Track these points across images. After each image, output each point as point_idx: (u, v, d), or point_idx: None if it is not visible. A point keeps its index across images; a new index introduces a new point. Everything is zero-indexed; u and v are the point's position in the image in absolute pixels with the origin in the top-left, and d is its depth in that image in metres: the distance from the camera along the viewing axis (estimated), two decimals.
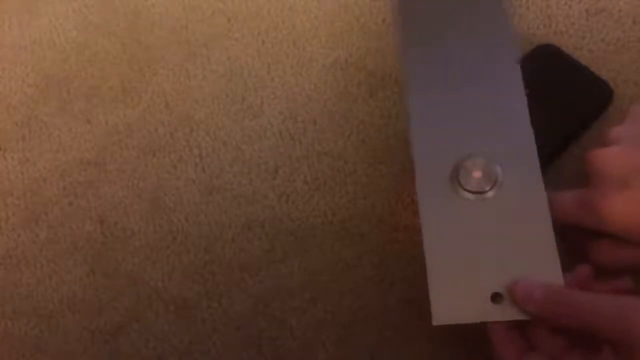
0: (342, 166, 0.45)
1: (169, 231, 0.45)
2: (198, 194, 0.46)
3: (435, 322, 0.34)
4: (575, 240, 0.38)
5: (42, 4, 0.53)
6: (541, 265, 0.34)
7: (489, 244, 0.35)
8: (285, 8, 0.50)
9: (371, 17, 0.49)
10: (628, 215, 0.34)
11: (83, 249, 0.45)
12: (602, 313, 0.30)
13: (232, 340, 0.42)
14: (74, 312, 0.44)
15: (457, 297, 0.34)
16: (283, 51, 0.49)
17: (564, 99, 0.44)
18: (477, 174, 0.36)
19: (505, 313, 0.34)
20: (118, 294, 0.44)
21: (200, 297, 0.43)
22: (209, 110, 0.48)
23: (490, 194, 0.36)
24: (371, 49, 0.48)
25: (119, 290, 0.44)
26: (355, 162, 0.45)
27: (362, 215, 0.44)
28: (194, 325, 0.43)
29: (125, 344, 0.43)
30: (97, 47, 0.51)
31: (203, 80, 0.49)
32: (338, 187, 0.45)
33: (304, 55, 0.49)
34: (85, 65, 0.50)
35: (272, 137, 0.47)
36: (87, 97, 0.49)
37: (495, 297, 0.34)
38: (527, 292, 0.33)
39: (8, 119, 0.49)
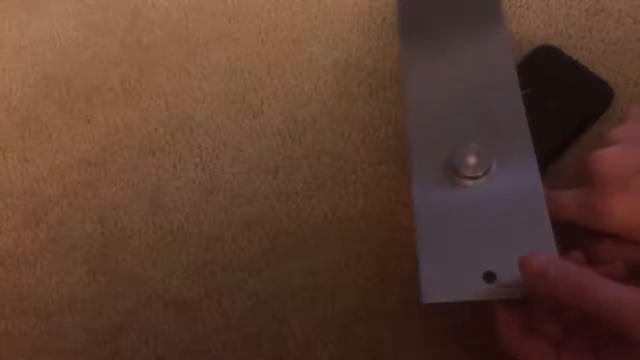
0: (342, 166, 0.45)
1: (169, 231, 0.45)
2: (198, 194, 0.46)
3: (424, 300, 0.33)
4: (576, 239, 0.38)
5: (42, 4, 0.53)
6: (536, 244, 0.34)
7: (482, 225, 0.35)
8: (285, 8, 0.50)
9: (371, 17, 0.49)
10: (628, 216, 0.34)
11: (83, 249, 0.45)
12: (622, 304, 0.29)
13: (232, 340, 0.42)
14: (74, 312, 0.44)
15: (448, 276, 0.34)
16: (283, 51, 0.49)
17: (564, 99, 0.44)
18: (471, 159, 0.36)
19: (498, 292, 0.33)
20: (118, 294, 0.44)
21: (200, 297, 0.43)
22: (209, 110, 0.48)
23: (484, 179, 0.36)
24: (371, 49, 0.48)
25: (119, 290, 0.44)
26: (355, 162, 0.45)
27: (362, 215, 0.44)
28: (194, 325, 0.43)
29: (125, 344, 0.43)
30: (97, 47, 0.51)
31: (203, 80, 0.49)
32: (338, 187, 0.45)
33: (304, 55, 0.49)
34: (85, 65, 0.50)
35: (272, 137, 0.47)
36: (87, 97, 0.49)
37: (488, 276, 0.33)
38: (541, 268, 0.31)
39: (8, 119, 0.49)
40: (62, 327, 0.43)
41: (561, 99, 0.44)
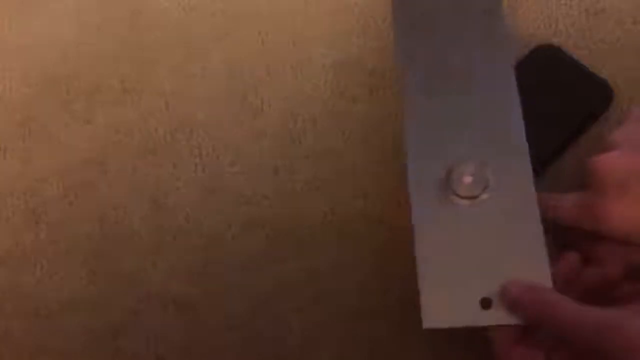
0: (342, 166, 0.45)
1: (169, 231, 0.45)
2: (198, 194, 0.46)
3: (425, 326, 0.34)
4: (575, 240, 0.38)
5: (42, 4, 0.53)
6: (530, 272, 0.34)
7: (479, 248, 0.35)
8: (285, 8, 0.50)
9: (371, 17, 0.49)
10: (628, 220, 0.34)
11: (83, 249, 0.45)
12: (584, 327, 0.31)
13: (232, 340, 0.42)
14: (74, 312, 0.44)
15: (447, 302, 0.34)
16: (283, 51, 0.49)
17: (564, 99, 0.44)
18: (467, 179, 0.36)
19: (494, 318, 0.34)
20: (118, 294, 0.44)
21: (200, 297, 0.43)
22: (209, 110, 0.48)
23: (481, 199, 0.36)
24: (371, 49, 0.48)
25: (119, 290, 0.44)
26: (355, 162, 0.45)
27: (362, 215, 0.44)
28: (194, 325, 0.43)
29: (125, 344, 0.43)
30: (97, 47, 0.51)
31: (203, 80, 0.49)
32: (338, 187, 0.45)
33: (304, 55, 0.49)
34: (85, 65, 0.50)
35: (272, 137, 0.47)
36: (87, 97, 0.49)
37: (484, 302, 0.34)
38: (516, 297, 0.33)
39: (8, 119, 0.49)
40: (62, 327, 0.43)
41: (561, 99, 0.44)
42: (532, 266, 0.34)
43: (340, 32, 0.49)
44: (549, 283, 0.34)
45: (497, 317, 0.34)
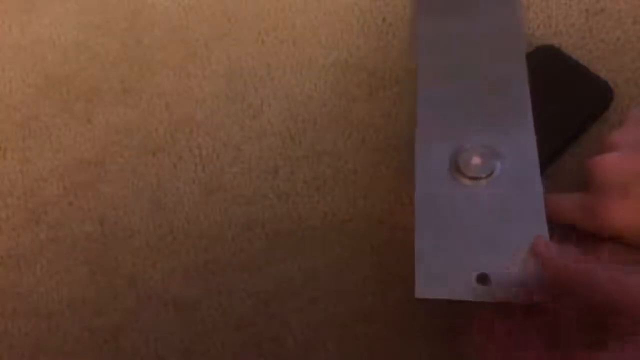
0: (342, 166, 0.45)
1: (169, 231, 0.45)
2: (198, 194, 0.46)
3: (417, 295, 0.34)
4: (577, 242, 0.38)
5: (42, 4, 0.53)
6: (531, 252, 0.34)
7: (480, 226, 0.35)
8: (285, 8, 0.50)
9: (371, 17, 0.49)
10: (629, 222, 0.34)
11: (83, 249, 0.45)
12: (626, 289, 0.29)
13: (232, 340, 0.42)
14: (74, 312, 0.44)
15: (443, 273, 0.34)
16: (283, 51, 0.49)
17: (564, 99, 0.44)
18: (476, 160, 0.37)
19: (489, 294, 0.33)
20: (118, 294, 0.44)
21: (200, 297, 0.43)
22: (209, 110, 0.48)
23: (487, 180, 0.37)
24: (371, 49, 0.48)
25: (119, 290, 0.44)
26: (355, 162, 0.45)
27: (362, 215, 0.44)
28: (194, 325, 0.43)
29: (125, 344, 0.43)
30: (97, 47, 0.51)
31: (203, 80, 0.49)
32: (338, 187, 0.45)
33: (304, 55, 0.49)
34: (85, 65, 0.50)
35: (272, 137, 0.47)
36: (87, 97, 0.49)
37: (481, 278, 0.34)
38: (551, 252, 0.32)
39: (8, 119, 0.49)
40: (62, 327, 0.43)
41: (561, 99, 0.44)
42: (532, 248, 0.34)
43: (340, 32, 0.49)
44: None
45: (493, 293, 0.33)
